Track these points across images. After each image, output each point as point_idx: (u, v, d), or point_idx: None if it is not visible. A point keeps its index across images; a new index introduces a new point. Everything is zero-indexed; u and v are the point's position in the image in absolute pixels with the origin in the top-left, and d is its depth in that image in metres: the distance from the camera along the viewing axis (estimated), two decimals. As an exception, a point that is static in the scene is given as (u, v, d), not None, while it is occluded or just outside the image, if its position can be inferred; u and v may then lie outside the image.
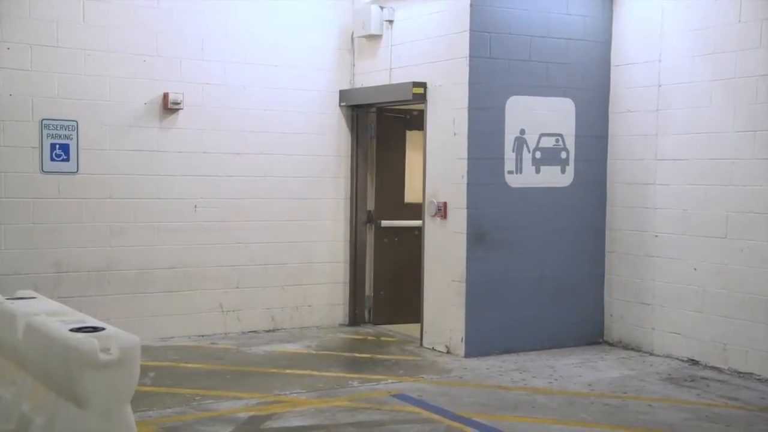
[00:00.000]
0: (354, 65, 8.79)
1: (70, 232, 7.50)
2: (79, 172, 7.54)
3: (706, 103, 7.20)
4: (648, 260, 7.72)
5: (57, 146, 7.44)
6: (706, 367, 7.18)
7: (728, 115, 7.05)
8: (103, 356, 3.80)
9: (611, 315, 8.07)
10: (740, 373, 6.94)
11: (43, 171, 7.39)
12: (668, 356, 7.51)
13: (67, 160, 7.49)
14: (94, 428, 3.81)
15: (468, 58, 7.31)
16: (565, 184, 7.88)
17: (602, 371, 7.05)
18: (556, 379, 6.75)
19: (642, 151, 7.75)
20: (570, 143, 7.88)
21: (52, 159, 7.43)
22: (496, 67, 7.42)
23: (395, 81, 8.17)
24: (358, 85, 8.72)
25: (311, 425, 5.46)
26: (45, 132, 7.38)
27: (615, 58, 7.98)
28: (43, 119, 7.36)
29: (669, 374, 6.97)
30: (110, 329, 4.07)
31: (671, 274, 7.52)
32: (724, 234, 7.08)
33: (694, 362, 7.31)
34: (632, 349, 7.83)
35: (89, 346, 3.79)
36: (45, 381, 4.16)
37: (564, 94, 7.80)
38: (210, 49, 8.07)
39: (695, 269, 7.31)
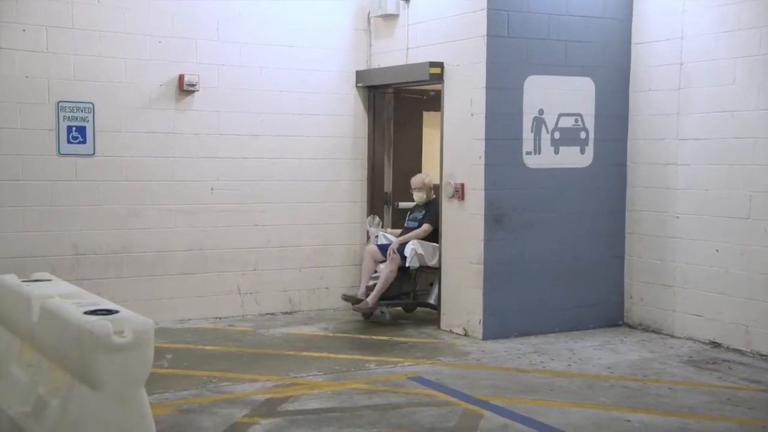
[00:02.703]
0: (371, 45, 8.70)
1: (87, 214, 7.51)
2: (95, 154, 7.53)
3: (729, 81, 7.06)
4: (669, 241, 7.61)
5: (73, 128, 7.44)
6: (728, 349, 7.08)
7: (752, 93, 6.90)
8: (116, 339, 3.79)
9: (631, 297, 7.98)
10: (763, 355, 6.84)
11: (60, 153, 7.39)
12: (689, 339, 7.42)
13: (84, 142, 7.49)
14: (109, 410, 3.80)
15: (486, 37, 7.20)
16: (585, 165, 7.77)
17: (622, 354, 6.98)
18: (574, 362, 6.69)
19: (663, 130, 7.62)
20: (589, 123, 7.76)
21: (68, 141, 7.42)
22: (514, 46, 7.31)
23: (412, 61, 8.08)
24: (374, 66, 8.63)
25: (328, 408, 5.44)
26: (61, 114, 7.38)
27: (635, 35, 7.83)
28: (60, 101, 7.35)
29: (690, 357, 6.89)
30: (124, 312, 4.05)
31: (693, 255, 7.41)
32: (747, 214, 6.96)
33: (716, 345, 7.22)
34: (653, 331, 7.74)
35: (103, 328, 3.77)
36: (60, 363, 4.16)
37: (583, 73, 7.68)
38: (226, 30, 8.01)
39: (717, 250, 7.19)
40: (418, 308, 8.34)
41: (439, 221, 7.86)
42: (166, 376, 6.05)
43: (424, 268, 7.99)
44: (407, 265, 7.82)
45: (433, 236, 7.93)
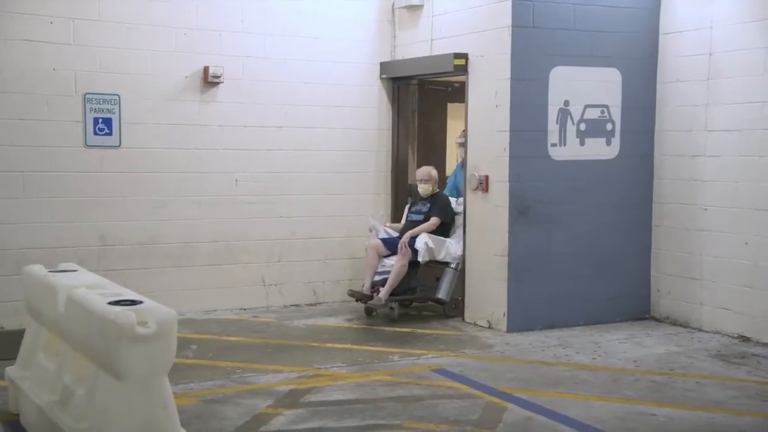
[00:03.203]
0: (395, 37, 8.67)
1: (113, 205, 7.58)
2: (121, 146, 7.59)
3: (760, 71, 6.93)
4: (697, 234, 7.51)
5: (100, 120, 7.50)
6: (757, 343, 6.98)
7: (783, 84, 6.78)
8: (140, 329, 3.82)
9: (658, 290, 7.90)
10: (792, 350, 6.75)
11: (86, 145, 7.46)
12: (717, 332, 7.33)
13: (110, 134, 7.54)
14: (132, 400, 3.84)
15: (510, 28, 7.14)
16: (611, 157, 7.70)
17: (648, 347, 6.91)
18: (600, 355, 6.63)
19: (691, 121, 7.51)
20: (616, 114, 7.68)
21: (95, 133, 7.48)
22: (540, 36, 7.24)
23: (436, 52, 8.04)
24: (398, 57, 8.60)
25: (351, 399, 5.45)
26: (88, 106, 7.44)
27: (664, 25, 7.72)
28: (86, 93, 7.41)
29: (718, 351, 6.80)
30: (148, 302, 4.08)
31: (721, 248, 7.31)
32: (777, 207, 6.85)
33: (744, 339, 7.12)
34: (680, 325, 7.66)
35: (126, 319, 3.81)
36: (85, 353, 4.21)
37: (610, 64, 7.59)
38: (250, 22, 8.03)
39: (746, 243, 7.09)
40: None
41: (446, 214, 7.80)
42: (191, 366, 6.10)
43: (432, 263, 7.72)
44: (419, 259, 7.62)
45: (439, 230, 7.81)
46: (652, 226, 7.91)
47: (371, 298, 7.68)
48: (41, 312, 4.82)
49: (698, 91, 7.43)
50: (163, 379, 3.94)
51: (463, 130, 8.07)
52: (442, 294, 7.80)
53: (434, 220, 7.79)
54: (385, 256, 7.87)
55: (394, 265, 7.66)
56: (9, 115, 7.15)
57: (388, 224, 8.27)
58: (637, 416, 5.19)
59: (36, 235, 7.26)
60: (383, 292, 7.61)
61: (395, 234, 8.03)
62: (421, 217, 7.91)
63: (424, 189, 7.92)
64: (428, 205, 7.92)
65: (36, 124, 7.25)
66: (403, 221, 8.18)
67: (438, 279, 7.95)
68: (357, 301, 7.91)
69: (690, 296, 7.59)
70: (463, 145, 7.89)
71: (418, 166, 8.73)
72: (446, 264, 7.79)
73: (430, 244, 7.63)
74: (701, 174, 7.45)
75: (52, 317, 4.58)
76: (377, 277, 7.81)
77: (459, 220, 7.88)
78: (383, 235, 8.01)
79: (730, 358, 6.57)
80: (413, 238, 7.68)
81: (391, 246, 7.87)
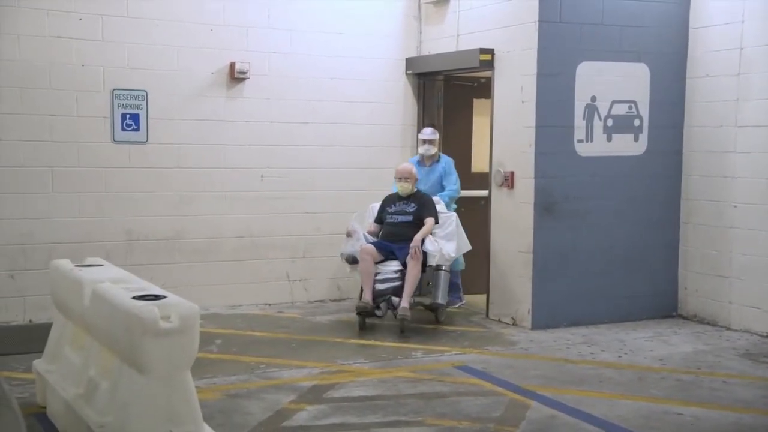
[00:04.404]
0: (421, 32, 8.64)
1: (140, 200, 7.64)
2: (148, 141, 7.65)
3: (792, 66, 6.82)
4: (726, 231, 7.41)
5: (127, 116, 7.57)
6: (786, 343, 6.89)
7: (815, 79, 6.66)
8: (163, 324, 3.85)
9: (686, 288, 7.80)
10: (823, 350, 6.63)
11: (114, 140, 7.53)
12: (746, 331, 7.22)
13: (138, 129, 7.61)
14: (156, 394, 3.87)
15: (537, 23, 7.09)
16: (638, 153, 7.61)
17: (675, 346, 6.83)
18: (625, 353, 6.57)
19: (721, 117, 7.40)
20: (644, 110, 7.59)
21: (122, 129, 7.55)
22: (567, 31, 7.18)
23: (462, 48, 8.00)
24: (424, 53, 8.57)
25: (373, 395, 5.45)
26: (116, 102, 7.51)
27: (693, 20, 7.61)
28: (114, 89, 7.48)
29: (746, 350, 6.70)
30: (171, 297, 4.11)
31: (751, 245, 7.20)
32: (809, 204, 6.73)
33: (773, 338, 7.02)
34: (708, 323, 7.56)
35: (150, 314, 3.83)
36: (110, 347, 4.25)
37: (638, 59, 7.50)
38: (276, 18, 8.04)
39: (776, 241, 6.98)
40: (466, 296, 8.20)
41: (436, 214, 7.34)
42: (215, 361, 6.14)
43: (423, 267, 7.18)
44: (433, 263, 7.14)
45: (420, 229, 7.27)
46: (680, 223, 7.81)
47: (377, 308, 7.11)
48: (67, 306, 4.88)
49: (729, 86, 7.32)
50: (186, 373, 3.97)
51: (430, 123, 8.09)
52: (441, 299, 7.29)
53: (432, 221, 7.30)
54: (378, 262, 7.19)
55: (409, 271, 7.04)
56: (38, 111, 7.24)
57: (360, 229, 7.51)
58: (662, 415, 5.14)
59: (64, 230, 7.35)
60: (404, 300, 6.99)
61: (372, 238, 7.39)
62: (409, 218, 7.32)
63: (404, 188, 7.39)
64: (413, 205, 7.36)
65: (65, 120, 7.33)
66: (371, 222, 7.59)
67: (429, 284, 7.60)
68: (359, 315, 7.14)
69: (718, 294, 7.49)
70: (432, 143, 7.82)
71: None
72: (438, 267, 7.25)
73: (445, 249, 7.20)
74: (731, 170, 7.34)
75: (77, 311, 4.63)
76: (380, 286, 7.10)
77: (449, 220, 7.44)
78: (362, 240, 7.27)
79: (759, 357, 6.47)
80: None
81: (384, 251, 7.23)
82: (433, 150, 7.92)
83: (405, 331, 7.04)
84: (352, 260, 7.30)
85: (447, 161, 8.00)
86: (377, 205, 7.74)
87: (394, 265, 7.19)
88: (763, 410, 5.28)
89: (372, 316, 7.16)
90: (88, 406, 4.26)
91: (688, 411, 5.22)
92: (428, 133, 7.94)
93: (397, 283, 7.12)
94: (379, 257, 7.22)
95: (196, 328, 3.95)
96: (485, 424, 4.92)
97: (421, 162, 7.98)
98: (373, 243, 7.31)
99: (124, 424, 3.89)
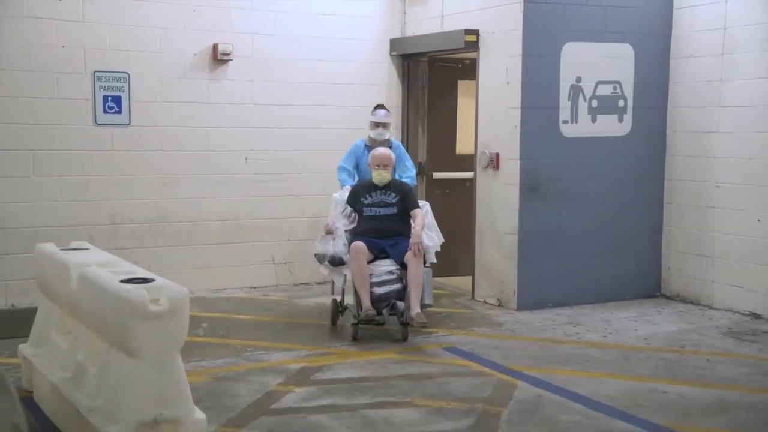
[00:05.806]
0: (405, 13, 8.60)
1: (123, 184, 7.58)
2: (131, 124, 7.57)
3: (775, 47, 6.86)
4: (709, 211, 7.47)
5: (109, 98, 7.48)
6: (768, 321, 6.97)
7: (798, 59, 6.70)
8: (152, 307, 3.82)
9: (669, 268, 7.87)
10: (804, 328, 6.72)
11: (96, 123, 7.44)
12: (729, 310, 7.31)
13: (120, 112, 7.53)
14: (145, 377, 3.85)
15: (522, 4, 7.07)
16: (623, 133, 7.64)
17: (659, 325, 6.89)
18: (610, 333, 6.62)
19: (705, 97, 7.44)
20: (628, 91, 7.61)
21: (104, 111, 7.47)
22: (551, 12, 7.17)
23: (447, 29, 7.97)
24: (409, 34, 8.54)
25: (361, 377, 5.46)
26: (97, 84, 7.41)
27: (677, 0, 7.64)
28: (96, 71, 7.39)
29: (729, 328, 6.78)
30: (160, 280, 4.09)
31: (733, 225, 7.27)
32: (791, 184, 6.79)
33: (756, 316, 7.09)
34: (691, 302, 7.63)
35: (139, 297, 3.81)
36: (98, 331, 4.22)
37: (622, 40, 7.51)
38: (259, -1, 7.97)
39: (759, 220, 7.04)
40: (452, 278, 8.22)
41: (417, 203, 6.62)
42: (202, 344, 6.12)
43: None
44: (434, 260, 6.67)
45: (402, 222, 6.57)
46: (663, 204, 7.87)
47: (378, 314, 6.20)
48: (54, 290, 4.84)
49: (712, 66, 7.35)
50: (176, 356, 3.95)
51: (380, 105, 7.32)
52: (428, 299, 6.47)
53: (421, 212, 6.55)
54: (369, 262, 6.38)
55: (414, 271, 6.24)
56: (18, 93, 7.13)
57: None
58: (648, 393, 5.19)
59: (46, 214, 7.27)
60: (416, 305, 6.15)
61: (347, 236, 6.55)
62: (393, 210, 6.53)
63: (382, 176, 6.55)
64: (393, 194, 6.56)
65: (45, 102, 7.23)
66: (344, 215, 6.63)
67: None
68: (359, 324, 6.28)
69: (701, 274, 7.56)
70: (386, 126, 7.13)
71: (428, 144, 8.68)
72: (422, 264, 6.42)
73: (433, 242, 6.67)
74: (714, 150, 7.39)
75: (64, 295, 4.59)
76: (379, 290, 6.26)
77: (424, 210, 6.74)
78: (343, 239, 6.48)
79: (742, 336, 6.55)
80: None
81: (374, 249, 6.42)
82: (387, 135, 7.16)
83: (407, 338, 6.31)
84: (338, 261, 6.39)
85: (398, 146, 7.30)
86: (340, 196, 6.87)
87: (386, 265, 6.39)
88: (746, 387, 5.34)
89: (371, 323, 6.26)
90: (76, 389, 4.24)
91: (672, 389, 5.28)
92: (382, 115, 7.18)
93: (398, 286, 6.28)
94: (370, 256, 6.39)
95: (185, 310, 3.93)
96: (473, 405, 4.95)
97: (370, 147, 7.08)
98: (363, 241, 6.40)
99: (114, 407, 3.87)
